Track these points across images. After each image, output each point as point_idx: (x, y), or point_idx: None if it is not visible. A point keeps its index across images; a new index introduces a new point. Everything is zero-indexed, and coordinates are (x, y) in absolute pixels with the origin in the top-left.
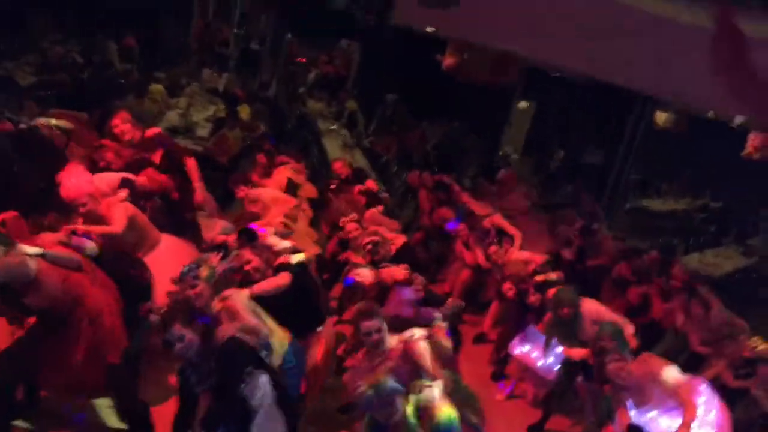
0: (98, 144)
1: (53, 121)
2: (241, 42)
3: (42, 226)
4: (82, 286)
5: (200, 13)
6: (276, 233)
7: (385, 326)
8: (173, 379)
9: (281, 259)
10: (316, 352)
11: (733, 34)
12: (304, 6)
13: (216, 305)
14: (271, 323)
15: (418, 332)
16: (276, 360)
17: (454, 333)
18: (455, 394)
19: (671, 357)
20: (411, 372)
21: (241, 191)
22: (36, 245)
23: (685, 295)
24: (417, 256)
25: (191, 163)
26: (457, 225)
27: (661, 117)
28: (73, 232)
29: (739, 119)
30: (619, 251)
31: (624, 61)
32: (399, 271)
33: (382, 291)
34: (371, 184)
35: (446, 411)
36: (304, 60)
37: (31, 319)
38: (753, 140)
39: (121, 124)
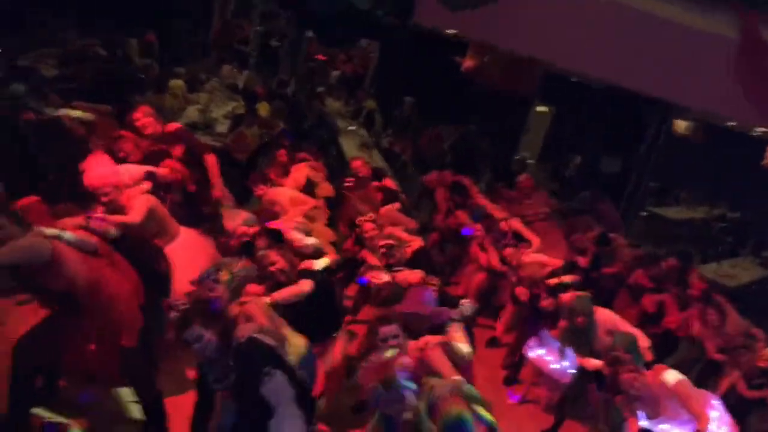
0: (117, 135)
1: (75, 113)
2: (260, 39)
3: (60, 215)
4: (98, 269)
5: (220, 9)
6: (298, 227)
7: (402, 332)
8: (190, 372)
9: (304, 265)
10: (334, 356)
11: (756, 44)
12: (325, 5)
13: (233, 309)
14: (287, 331)
15: (434, 339)
16: None
17: (468, 335)
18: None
19: (686, 367)
20: (425, 374)
21: (260, 189)
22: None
23: (702, 303)
24: (432, 258)
25: (211, 159)
26: (471, 231)
27: (680, 125)
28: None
29: (759, 129)
30: (636, 258)
31: (645, 68)
32: (413, 275)
33: (397, 293)
34: (389, 182)
35: (457, 407)
36: (323, 58)
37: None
38: None
39: (143, 117)
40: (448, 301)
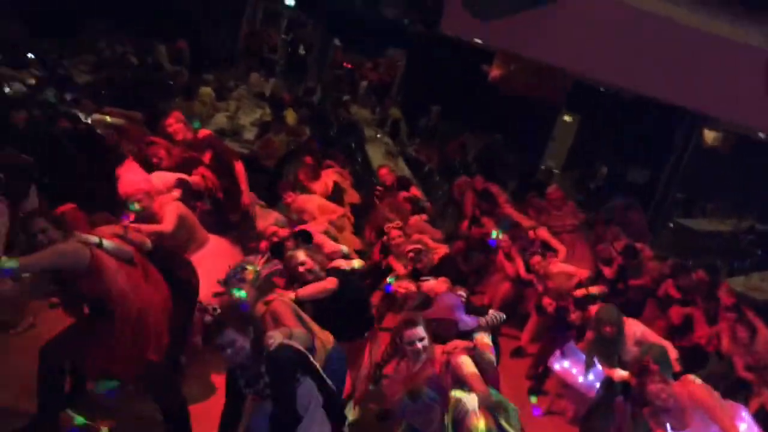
0: (149, 141)
1: (108, 119)
2: (288, 47)
3: (94, 223)
4: (133, 279)
5: (249, 18)
6: (326, 232)
7: (428, 336)
8: (215, 377)
9: (333, 264)
10: (363, 359)
11: None
12: (353, 14)
13: (260, 308)
14: (314, 326)
15: (462, 344)
16: (318, 363)
17: (494, 345)
18: (494, 408)
19: (714, 383)
20: (451, 383)
21: (289, 197)
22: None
23: (732, 318)
24: (458, 266)
25: (239, 167)
26: (496, 242)
27: (709, 136)
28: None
29: None
30: (666, 268)
31: (674, 78)
32: (440, 284)
33: (423, 301)
34: (416, 191)
35: (483, 422)
36: (350, 66)
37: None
38: None
39: (175, 123)
40: (474, 310)
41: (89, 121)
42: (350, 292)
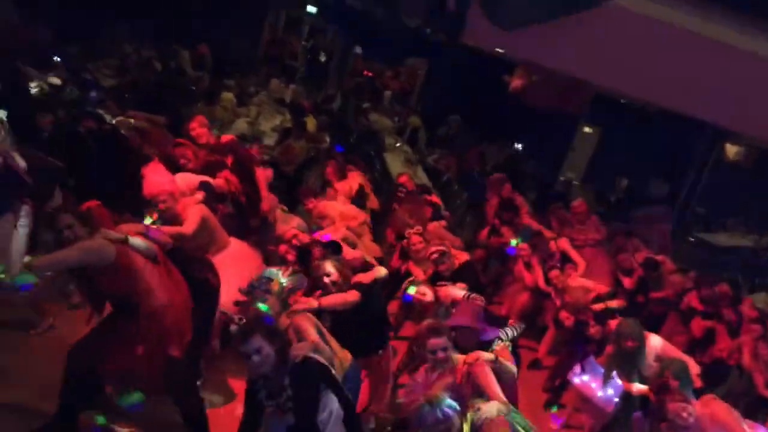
0: (177, 142)
1: (131, 121)
2: (308, 54)
3: (118, 221)
4: (157, 276)
5: (271, 25)
6: (345, 239)
7: (451, 344)
8: (234, 383)
9: (357, 278)
10: (382, 373)
11: None
12: (374, 22)
13: (284, 321)
14: (333, 343)
15: (483, 355)
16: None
17: (514, 356)
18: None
19: (735, 399)
20: (471, 392)
21: (310, 203)
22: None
23: (757, 330)
24: (477, 275)
25: (260, 173)
26: (515, 251)
27: (731, 150)
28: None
29: None
30: (688, 281)
31: (696, 92)
32: (457, 291)
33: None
34: (436, 198)
35: (502, 431)
36: (370, 74)
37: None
38: None
39: (198, 127)
40: (493, 320)
41: (113, 122)
42: (371, 307)
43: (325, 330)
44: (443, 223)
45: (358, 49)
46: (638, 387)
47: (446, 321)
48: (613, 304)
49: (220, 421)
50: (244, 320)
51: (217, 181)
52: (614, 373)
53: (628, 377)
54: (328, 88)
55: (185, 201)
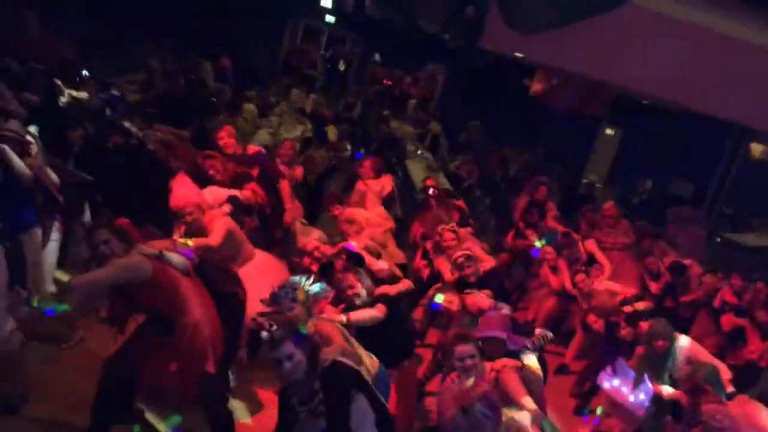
0: (207, 154)
1: (158, 135)
2: (327, 63)
3: (146, 236)
4: (190, 291)
5: (290, 35)
6: (369, 249)
7: (478, 352)
8: (261, 393)
9: (381, 290)
10: (408, 381)
11: None
12: (393, 29)
13: (310, 328)
14: (360, 350)
15: (510, 363)
16: None
17: (540, 363)
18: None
19: (767, 402)
20: (501, 400)
21: (336, 209)
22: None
23: None
24: (502, 281)
25: (284, 185)
26: (538, 252)
27: (756, 149)
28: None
29: None
30: (720, 282)
31: (720, 91)
32: (484, 300)
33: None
34: (462, 204)
35: None
36: (389, 82)
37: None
38: None
39: (227, 137)
40: (518, 328)
41: (140, 136)
42: (396, 320)
43: (350, 337)
44: (469, 229)
45: (377, 57)
46: (668, 390)
47: (473, 330)
48: (641, 306)
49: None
50: (275, 327)
51: (245, 193)
52: (645, 376)
53: (658, 379)
54: (347, 97)
55: (212, 213)
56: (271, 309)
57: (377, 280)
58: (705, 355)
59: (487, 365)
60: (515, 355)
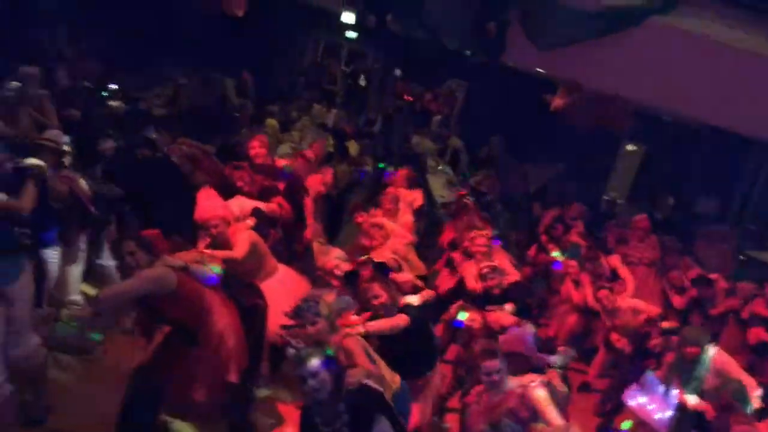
0: (236, 165)
1: (184, 149)
2: (348, 78)
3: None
4: (214, 302)
5: (311, 50)
6: (391, 261)
7: (505, 367)
8: (282, 408)
9: (405, 301)
10: (427, 396)
11: None
12: (414, 46)
13: (334, 346)
14: (382, 366)
15: (538, 377)
16: None
17: (564, 381)
18: None
19: None
20: (528, 416)
21: (360, 217)
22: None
23: None
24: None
25: (308, 202)
26: (561, 265)
27: None
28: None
29: None
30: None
31: (742, 108)
32: (507, 317)
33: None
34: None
35: None
36: (410, 98)
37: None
38: None
39: (258, 147)
40: (543, 346)
41: (166, 149)
42: (419, 331)
43: (373, 352)
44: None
45: (398, 72)
46: (694, 401)
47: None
48: (666, 325)
49: None
50: (302, 344)
51: (270, 206)
52: (673, 392)
53: (685, 387)
54: (368, 112)
55: (236, 226)
56: (295, 322)
57: (401, 292)
58: (735, 369)
59: (514, 380)
60: (540, 371)
